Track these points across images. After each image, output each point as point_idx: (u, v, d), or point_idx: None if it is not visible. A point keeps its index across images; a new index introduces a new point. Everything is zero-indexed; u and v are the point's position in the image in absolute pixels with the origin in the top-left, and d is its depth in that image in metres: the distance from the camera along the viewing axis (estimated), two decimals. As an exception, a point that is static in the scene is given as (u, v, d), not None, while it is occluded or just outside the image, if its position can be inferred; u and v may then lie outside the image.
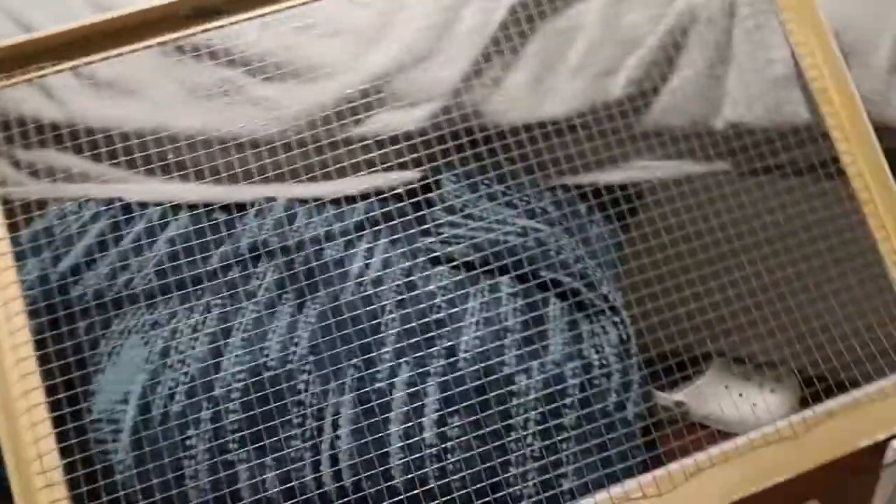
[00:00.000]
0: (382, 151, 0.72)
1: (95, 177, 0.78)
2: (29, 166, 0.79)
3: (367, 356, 0.60)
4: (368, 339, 0.61)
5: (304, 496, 0.57)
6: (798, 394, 0.91)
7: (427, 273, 0.66)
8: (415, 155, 0.70)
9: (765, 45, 0.61)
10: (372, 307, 0.63)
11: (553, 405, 0.54)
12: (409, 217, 0.70)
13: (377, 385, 0.58)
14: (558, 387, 0.55)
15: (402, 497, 0.54)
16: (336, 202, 0.74)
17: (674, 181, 0.69)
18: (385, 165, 0.72)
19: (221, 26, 0.57)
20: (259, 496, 0.57)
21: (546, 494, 0.52)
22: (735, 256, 0.64)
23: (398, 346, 0.60)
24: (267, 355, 0.62)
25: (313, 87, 0.71)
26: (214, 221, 0.74)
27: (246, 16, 0.56)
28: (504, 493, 0.52)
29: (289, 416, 0.58)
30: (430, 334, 0.60)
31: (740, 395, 0.91)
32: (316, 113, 0.71)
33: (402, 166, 0.73)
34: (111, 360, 0.65)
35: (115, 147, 0.74)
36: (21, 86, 0.70)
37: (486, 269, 0.64)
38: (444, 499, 0.53)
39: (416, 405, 0.56)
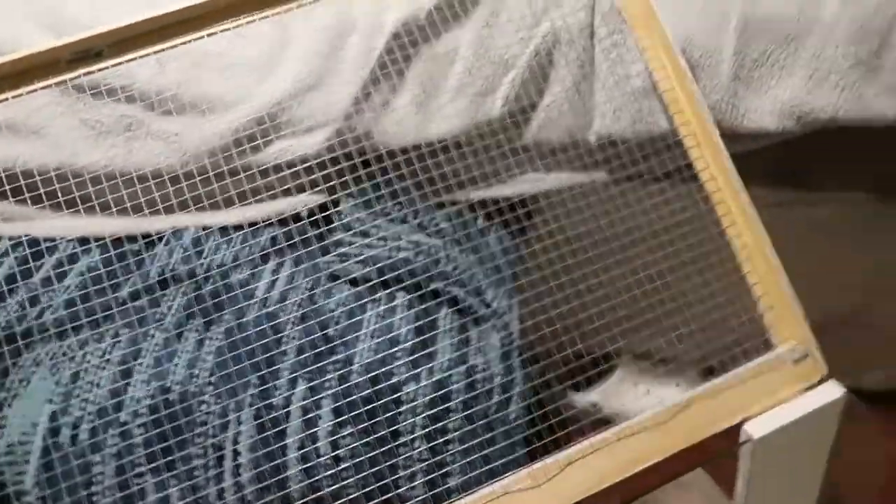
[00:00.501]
0: (281, 175, 0.75)
1: (1, 215, 0.79)
2: None
3: (267, 373, 0.62)
4: (269, 357, 0.63)
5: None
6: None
7: (327, 291, 0.69)
8: (313, 177, 0.73)
9: (622, 61, 0.66)
10: (274, 324, 0.66)
11: (438, 409, 0.58)
12: (311, 238, 0.73)
13: (274, 401, 0.61)
14: (443, 391, 0.58)
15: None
16: (240, 228, 0.77)
17: (557, 191, 0.74)
18: (284, 189, 0.75)
19: (104, 68, 0.59)
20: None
21: (432, 493, 0.55)
22: (618, 259, 0.68)
23: (297, 361, 0.63)
24: (172, 380, 0.64)
25: (210, 118, 0.74)
26: (122, 251, 0.76)
27: (127, 58, 0.59)
28: (393, 493, 0.55)
29: (192, 439, 0.61)
30: (326, 348, 0.63)
31: (648, 391, 0.96)
32: (215, 143, 0.74)
33: (302, 190, 0.76)
34: (20, 392, 0.67)
35: (18, 185, 0.75)
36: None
37: (381, 282, 0.67)
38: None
39: (310, 418, 0.59)
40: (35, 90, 0.58)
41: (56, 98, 0.75)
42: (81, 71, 0.58)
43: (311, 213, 0.75)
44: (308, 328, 0.65)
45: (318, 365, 0.62)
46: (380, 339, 0.63)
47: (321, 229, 0.73)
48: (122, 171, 0.76)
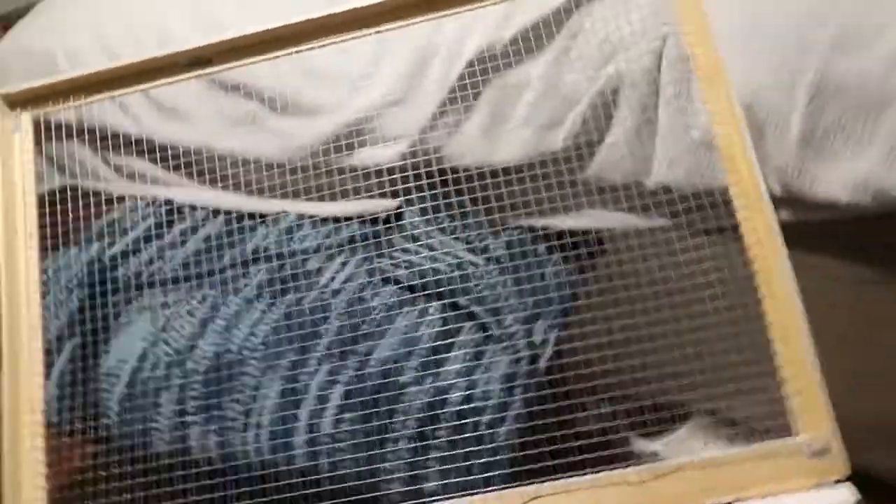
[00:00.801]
0: (366, 181, 0.82)
1: (158, 180, 0.95)
2: (116, 168, 0.98)
3: (300, 355, 0.70)
4: (307, 341, 0.71)
5: (234, 461, 0.68)
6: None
7: (377, 290, 0.75)
8: (389, 185, 0.79)
9: (685, 111, 0.63)
10: (322, 313, 0.74)
11: (430, 414, 0.61)
12: (377, 240, 0.80)
13: (298, 381, 0.68)
14: (440, 399, 0.62)
15: (301, 477, 0.64)
16: (328, 221, 0.85)
17: (623, 234, 0.73)
18: (368, 192, 0.83)
19: (213, 73, 0.70)
20: (202, 455, 0.70)
21: (408, 488, 0.59)
22: (679, 311, 0.67)
23: (326, 349, 0.70)
24: (232, 343, 0.75)
25: (313, 122, 0.83)
26: (234, 227, 0.89)
27: (233, 64, 0.69)
28: (377, 479, 0.60)
29: (231, 398, 0.70)
30: (354, 341, 0.69)
31: (715, 450, 0.90)
32: (315, 144, 0.83)
33: (382, 195, 0.82)
34: (126, 329, 0.81)
35: (166, 155, 0.90)
36: (105, 104, 0.89)
37: (421, 289, 0.72)
38: (332, 484, 0.62)
39: (321, 402, 0.65)
40: (158, 86, 0.70)
41: (200, 89, 0.89)
42: (194, 73, 0.69)
43: (386, 217, 0.82)
44: (347, 322, 0.71)
45: (342, 355, 0.68)
46: (402, 342, 0.68)
47: (387, 234, 0.80)
48: (245, 156, 0.88)
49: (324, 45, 0.72)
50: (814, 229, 0.65)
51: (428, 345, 0.66)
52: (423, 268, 0.72)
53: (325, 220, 0.86)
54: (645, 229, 0.71)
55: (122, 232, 0.93)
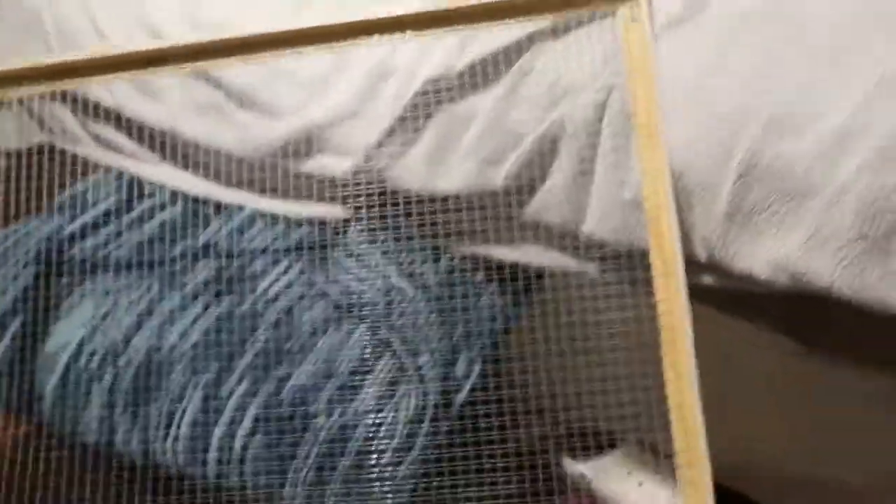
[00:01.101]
0: (319, 188, 0.82)
1: (131, 154, 0.96)
2: (95, 137, 0.99)
3: (225, 364, 0.72)
4: (234, 350, 0.72)
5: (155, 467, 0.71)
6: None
7: (309, 304, 0.76)
8: (345, 201, 0.80)
9: (620, 167, 0.63)
10: (253, 321, 0.75)
11: (333, 445, 0.63)
12: (322, 250, 0.81)
13: (220, 391, 0.70)
14: (344, 432, 0.63)
15: (210, 485, 0.66)
16: (276, 222, 0.86)
17: (562, 273, 0.73)
18: (320, 198, 0.83)
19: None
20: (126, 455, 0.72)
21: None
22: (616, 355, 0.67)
23: (250, 361, 0.71)
24: (165, 341, 0.76)
25: (271, 122, 0.83)
26: (195, 212, 0.90)
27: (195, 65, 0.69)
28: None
29: (155, 400, 0.72)
30: (277, 358, 0.70)
31: (641, 483, 0.92)
32: (272, 144, 0.83)
33: (333, 203, 0.83)
34: (70, 313, 0.83)
35: (143, 134, 0.91)
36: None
37: (348, 311, 0.73)
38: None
39: (236, 416, 0.67)
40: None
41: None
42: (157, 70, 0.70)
43: (335, 228, 0.82)
44: (274, 335, 0.73)
45: (264, 371, 0.70)
46: (321, 367, 0.69)
47: (333, 246, 0.80)
48: (208, 144, 0.88)
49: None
50: (744, 296, 0.64)
51: (346, 372, 0.67)
52: (351, 289, 0.72)
53: (275, 222, 0.87)
54: (577, 271, 0.71)
55: (84, 205, 0.94)
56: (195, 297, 0.79)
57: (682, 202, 0.60)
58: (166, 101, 0.91)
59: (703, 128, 0.58)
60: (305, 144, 0.81)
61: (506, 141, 0.69)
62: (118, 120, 0.94)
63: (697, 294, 0.59)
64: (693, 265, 0.61)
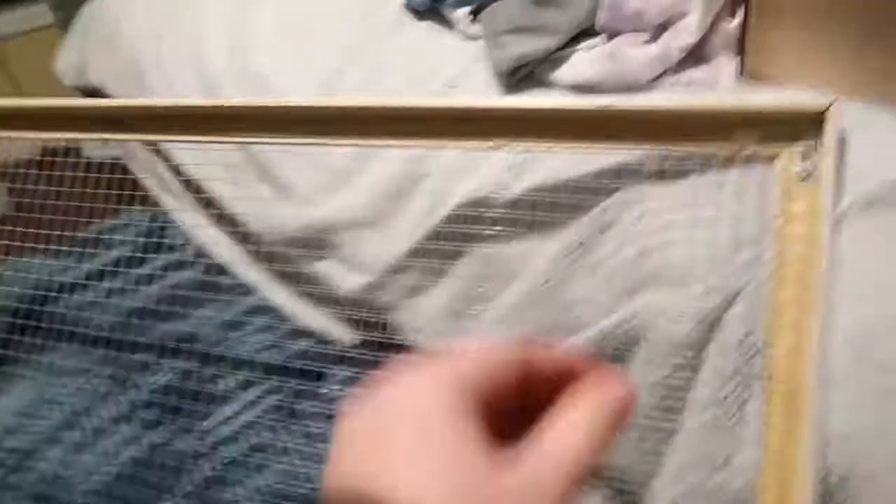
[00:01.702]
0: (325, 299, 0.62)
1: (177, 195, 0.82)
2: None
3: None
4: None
5: None
6: None
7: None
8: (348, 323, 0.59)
9: (720, 426, 0.36)
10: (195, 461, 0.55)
11: None
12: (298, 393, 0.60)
13: None
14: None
15: None
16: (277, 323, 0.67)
17: None
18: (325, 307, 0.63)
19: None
20: None
21: None
22: None
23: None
24: (75, 466, 0.58)
25: (285, 207, 0.64)
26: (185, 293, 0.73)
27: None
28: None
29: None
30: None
31: None
32: (285, 232, 0.65)
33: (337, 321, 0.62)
34: (11, 385, 0.68)
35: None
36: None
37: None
38: None
39: None
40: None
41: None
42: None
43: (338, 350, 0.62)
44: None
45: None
46: None
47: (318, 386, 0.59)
48: (231, 208, 0.72)
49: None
50: None
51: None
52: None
53: (277, 324, 0.68)
54: None
55: (101, 245, 0.80)
56: (135, 412, 0.61)
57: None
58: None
59: (871, 402, 0.30)
60: (315, 241, 0.61)
61: (554, 321, 0.44)
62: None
63: None
64: None
